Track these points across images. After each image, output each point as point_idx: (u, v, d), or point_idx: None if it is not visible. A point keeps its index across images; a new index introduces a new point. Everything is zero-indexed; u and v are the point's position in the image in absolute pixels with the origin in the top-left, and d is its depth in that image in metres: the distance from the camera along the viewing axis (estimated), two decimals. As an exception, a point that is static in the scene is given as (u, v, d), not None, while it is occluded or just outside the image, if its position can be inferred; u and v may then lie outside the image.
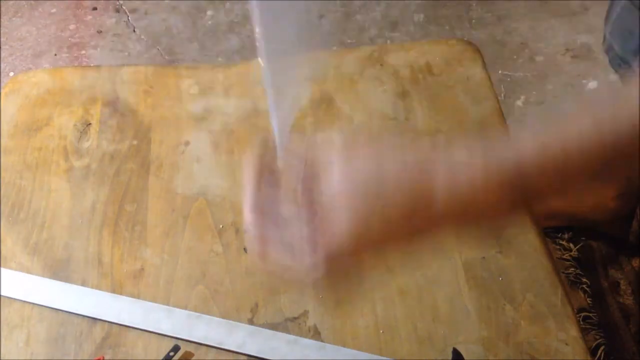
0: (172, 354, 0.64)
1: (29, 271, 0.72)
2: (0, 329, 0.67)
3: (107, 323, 0.67)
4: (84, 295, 0.70)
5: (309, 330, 0.66)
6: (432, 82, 0.87)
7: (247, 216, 0.46)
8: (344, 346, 0.65)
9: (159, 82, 0.89)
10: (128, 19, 1.92)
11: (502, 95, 1.65)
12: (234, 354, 0.65)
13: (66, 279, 0.71)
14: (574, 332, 0.64)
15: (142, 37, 1.88)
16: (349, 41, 1.81)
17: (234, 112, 0.85)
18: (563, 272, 1.27)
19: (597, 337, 1.19)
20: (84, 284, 0.71)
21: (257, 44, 0.42)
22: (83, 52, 1.85)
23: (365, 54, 0.90)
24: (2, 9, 1.98)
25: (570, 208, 1.26)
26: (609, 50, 0.96)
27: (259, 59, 0.44)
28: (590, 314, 1.22)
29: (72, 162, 0.81)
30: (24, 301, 0.69)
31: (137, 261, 0.72)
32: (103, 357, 0.65)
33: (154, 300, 0.69)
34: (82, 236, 0.74)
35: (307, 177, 0.46)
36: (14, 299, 0.70)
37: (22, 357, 0.66)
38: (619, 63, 0.94)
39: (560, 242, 1.32)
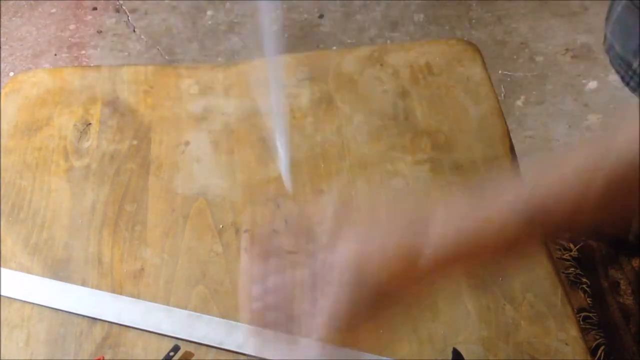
0: (172, 354, 0.64)
1: (29, 271, 0.72)
2: (0, 329, 0.67)
3: (107, 323, 0.67)
4: (84, 295, 0.70)
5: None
6: (432, 82, 0.87)
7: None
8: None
9: (159, 82, 0.89)
10: (128, 19, 1.92)
11: (502, 95, 1.65)
12: (234, 354, 0.65)
13: (66, 279, 0.71)
14: (574, 332, 0.64)
15: (142, 37, 1.88)
16: (349, 41, 1.81)
17: (234, 112, 0.85)
18: (563, 272, 1.27)
19: (597, 337, 1.18)
20: (84, 284, 0.71)
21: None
22: (83, 52, 1.85)
23: (365, 54, 0.90)
24: (2, 9, 1.98)
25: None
26: (609, 50, 0.96)
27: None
28: (590, 314, 1.22)
29: (72, 162, 0.81)
30: (24, 301, 0.69)
31: (137, 261, 0.72)
32: (103, 357, 0.65)
33: (154, 300, 0.69)
34: (82, 236, 0.74)
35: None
36: (14, 299, 0.70)
37: (22, 357, 0.66)
38: (620, 63, 0.94)
39: (560, 242, 1.32)
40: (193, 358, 0.65)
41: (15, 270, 0.72)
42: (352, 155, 0.80)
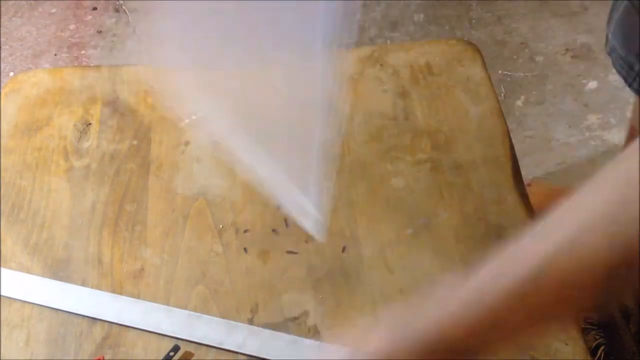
0: (172, 354, 0.64)
1: (29, 271, 0.72)
2: (0, 329, 0.67)
3: (107, 323, 0.67)
4: (84, 295, 0.70)
5: (309, 330, 0.66)
6: (432, 82, 0.87)
7: None
8: (344, 346, 0.65)
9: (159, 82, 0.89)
10: (128, 19, 1.92)
11: (502, 95, 1.65)
12: (234, 354, 0.65)
13: (66, 279, 0.71)
14: (574, 332, 0.64)
15: (142, 37, 1.88)
16: (348, 41, 1.81)
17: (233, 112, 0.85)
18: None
19: (597, 337, 1.18)
20: (84, 284, 0.71)
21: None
22: (83, 52, 1.85)
23: (365, 54, 0.90)
24: (2, 9, 1.98)
25: None
26: (611, 51, 0.96)
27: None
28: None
29: (72, 162, 0.81)
30: (24, 301, 0.69)
31: (137, 261, 0.72)
32: (103, 357, 0.65)
33: (154, 300, 0.69)
34: (82, 236, 0.74)
35: None
36: (14, 299, 0.70)
37: (22, 357, 0.66)
38: (622, 65, 0.94)
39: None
40: (193, 358, 0.65)
41: (15, 270, 0.72)
42: (352, 155, 0.80)
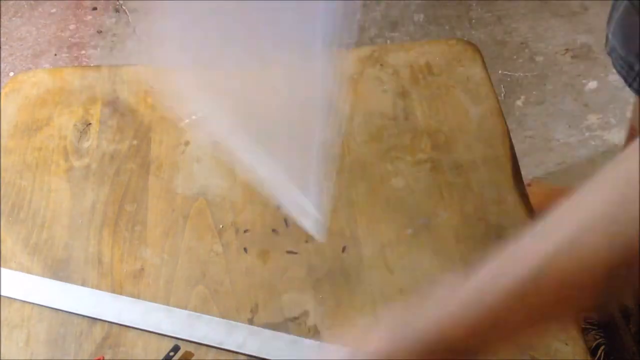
0: (172, 354, 0.64)
1: (29, 271, 0.72)
2: (0, 329, 0.67)
3: (107, 323, 0.67)
4: (84, 295, 0.70)
5: (309, 330, 0.66)
6: (432, 82, 0.87)
7: None
8: (344, 346, 0.65)
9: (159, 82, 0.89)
10: (128, 19, 1.92)
11: (502, 95, 1.65)
12: (234, 354, 0.65)
13: (66, 279, 0.71)
14: (574, 332, 0.64)
15: (142, 37, 1.88)
16: (348, 41, 1.81)
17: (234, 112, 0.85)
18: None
19: (597, 337, 1.18)
20: (84, 284, 0.71)
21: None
22: (83, 52, 1.85)
23: (365, 54, 0.90)
24: (2, 9, 1.98)
25: None
26: (611, 52, 0.96)
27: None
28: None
29: (72, 162, 0.81)
30: (24, 301, 0.69)
31: (137, 261, 0.72)
32: (103, 357, 0.65)
33: (154, 300, 0.69)
34: (82, 236, 0.74)
35: None
36: (14, 299, 0.70)
37: (22, 357, 0.66)
38: (622, 65, 0.94)
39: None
40: (193, 358, 0.65)
41: (15, 270, 0.72)
42: (352, 155, 0.80)
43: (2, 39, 1.90)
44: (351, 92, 0.86)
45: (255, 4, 0.65)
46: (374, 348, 0.45)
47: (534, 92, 1.66)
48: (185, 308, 0.68)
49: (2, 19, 1.95)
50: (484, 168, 0.77)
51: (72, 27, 1.92)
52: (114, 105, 0.87)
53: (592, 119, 1.60)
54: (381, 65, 0.89)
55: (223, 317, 0.67)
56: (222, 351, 0.65)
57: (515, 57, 1.75)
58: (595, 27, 1.76)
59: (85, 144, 0.83)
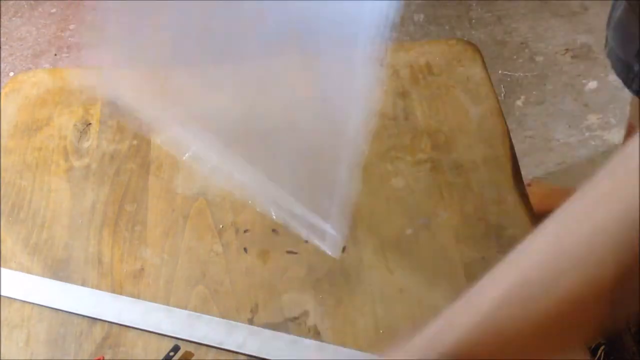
0: (172, 354, 0.64)
1: (29, 271, 0.72)
2: (0, 329, 0.67)
3: (107, 323, 0.67)
4: (84, 295, 0.70)
5: (309, 330, 0.66)
6: (432, 82, 0.87)
7: None
8: (344, 346, 0.65)
9: (159, 82, 0.89)
10: (128, 19, 1.92)
11: (502, 95, 1.65)
12: (234, 354, 0.65)
13: (66, 279, 0.71)
14: (574, 332, 0.64)
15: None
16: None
17: (234, 112, 0.85)
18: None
19: (597, 337, 1.19)
20: (84, 284, 0.71)
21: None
22: (83, 52, 1.85)
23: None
24: (2, 9, 1.98)
25: None
26: (610, 53, 0.96)
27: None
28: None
29: (72, 162, 0.81)
30: (24, 301, 0.69)
31: (137, 261, 0.72)
32: (103, 357, 0.65)
33: (154, 300, 0.69)
34: (82, 236, 0.74)
35: None
36: (14, 299, 0.70)
37: (22, 357, 0.66)
38: (621, 66, 0.94)
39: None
40: (193, 358, 0.65)
41: (15, 270, 0.72)
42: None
43: (2, 39, 1.90)
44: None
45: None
46: None
47: (534, 92, 1.66)
48: (185, 308, 0.68)
49: (2, 19, 1.96)
50: (484, 168, 0.77)
51: (72, 27, 1.92)
52: (114, 105, 0.87)
53: (592, 119, 1.60)
54: (381, 65, 0.89)
55: (223, 317, 0.67)
56: (222, 351, 0.65)
57: (515, 57, 1.75)
58: (595, 27, 1.76)
59: (85, 144, 0.83)
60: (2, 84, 1.56)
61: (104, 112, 0.86)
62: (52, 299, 0.69)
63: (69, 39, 1.89)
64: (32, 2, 2.00)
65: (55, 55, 1.85)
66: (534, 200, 0.76)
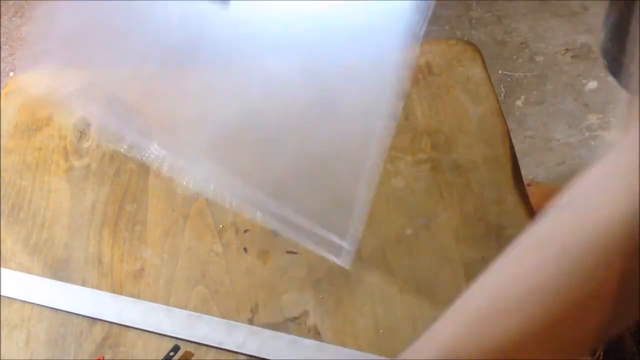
0: (172, 354, 0.64)
1: (29, 271, 0.72)
2: (0, 329, 0.67)
3: (107, 323, 0.67)
4: (84, 295, 0.70)
5: (309, 330, 0.66)
6: (432, 82, 0.86)
7: None
8: (344, 346, 0.65)
9: (160, 82, 0.89)
10: (128, 19, 1.92)
11: (502, 95, 1.65)
12: (234, 354, 0.65)
13: (66, 279, 0.71)
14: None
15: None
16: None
17: (234, 112, 0.85)
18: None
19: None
20: (84, 284, 0.71)
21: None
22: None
23: (365, 54, 0.90)
24: (2, 9, 1.98)
25: None
26: (606, 53, 0.96)
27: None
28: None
29: (72, 162, 0.81)
30: (24, 301, 0.69)
31: (137, 261, 0.72)
32: (103, 357, 0.65)
33: (154, 300, 0.69)
34: (82, 236, 0.74)
35: None
36: (14, 299, 0.70)
37: (22, 357, 0.66)
38: (617, 67, 0.94)
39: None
40: (193, 358, 0.65)
41: (15, 270, 0.72)
42: (352, 155, 0.79)
43: (2, 39, 1.90)
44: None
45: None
46: None
47: (534, 92, 1.66)
48: (185, 308, 0.68)
49: (2, 19, 1.96)
50: (484, 168, 0.77)
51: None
52: (114, 105, 0.86)
53: (592, 119, 1.60)
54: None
55: (223, 317, 0.67)
56: (222, 351, 0.65)
57: (515, 57, 1.75)
58: (595, 27, 1.76)
59: (85, 144, 0.83)
60: (2, 84, 1.56)
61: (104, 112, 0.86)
62: (52, 299, 0.69)
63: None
64: (32, 2, 2.00)
65: (55, 55, 1.85)
66: (534, 200, 0.76)
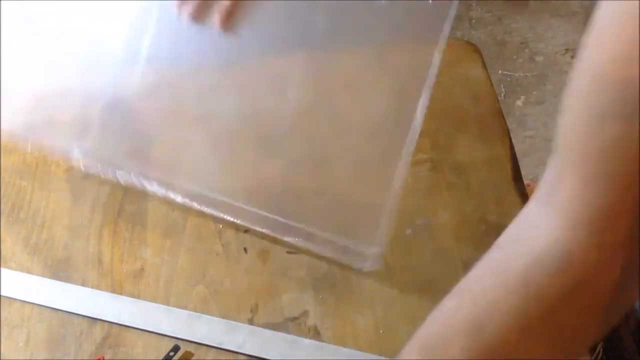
0: (172, 354, 0.64)
1: (29, 271, 0.72)
2: (0, 329, 0.67)
3: (107, 323, 0.67)
4: (84, 295, 0.70)
5: (309, 330, 0.66)
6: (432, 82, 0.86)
7: None
8: (344, 346, 0.65)
9: (160, 82, 0.89)
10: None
11: (502, 95, 1.65)
12: (234, 354, 0.65)
13: (66, 279, 0.71)
14: (573, 332, 0.64)
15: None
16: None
17: (234, 112, 0.85)
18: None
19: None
20: (84, 284, 0.71)
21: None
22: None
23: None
24: (2, 9, 1.98)
25: None
26: None
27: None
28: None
29: (72, 162, 0.81)
30: (24, 301, 0.69)
31: (137, 261, 0.72)
32: (103, 357, 0.65)
33: (154, 300, 0.69)
34: (82, 236, 0.74)
35: None
36: (14, 299, 0.70)
37: (22, 357, 0.66)
38: None
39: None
40: (193, 358, 0.65)
41: (15, 270, 0.72)
42: (352, 155, 0.79)
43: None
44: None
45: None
46: None
47: (534, 92, 1.66)
48: (185, 308, 0.68)
49: (2, 19, 1.95)
50: (484, 168, 0.77)
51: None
52: (114, 105, 0.86)
53: (592, 119, 1.59)
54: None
55: (223, 317, 0.67)
56: (222, 351, 0.65)
57: (515, 57, 1.75)
58: (595, 27, 1.76)
59: (86, 144, 0.83)
60: (2, 84, 1.56)
61: (104, 112, 0.86)
62: (52, 299, 0.69)
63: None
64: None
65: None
66: (533, 200, 0.76)
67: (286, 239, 0.70)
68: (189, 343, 0.66)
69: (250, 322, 0.67)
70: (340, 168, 0.71)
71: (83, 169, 0.76)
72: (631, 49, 0.34)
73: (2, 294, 0.70)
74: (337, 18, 0.69)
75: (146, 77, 0.79)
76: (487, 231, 0.72)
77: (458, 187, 0.76)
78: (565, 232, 0.39)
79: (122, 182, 0.74)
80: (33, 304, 0.69)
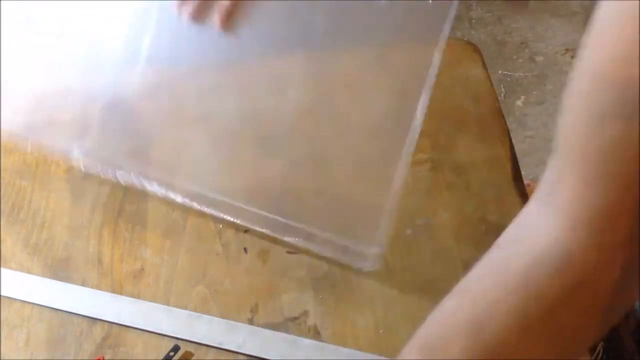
0: (172, 354, 0.64)
1: (29, 271, 0.72)
2: (0, 329, 0.67)
3: (107, 323, 0.67)
4: (84, 295, 0.70)
5: (309, 330, 0.66)
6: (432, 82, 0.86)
7: None
8: (344, 346, 0.65)
9: (160, 82, 0.89)
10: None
11: (502, 95, 1.65)
12: (234, 354, 0.65)
13: (66, 279, 0.71)
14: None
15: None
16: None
17: (234, 112, 0.85)
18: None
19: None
20: (84, 284, 0.71)
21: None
22: (83, 52, 1.85)
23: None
24: (2, 9, 1.98)
25: None
26: None
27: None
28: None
29: (72, 162, 0.81)
30: (24, 301, 0.69)
31: (137, 261, 0.72)
32: (103, 357, 0.65)
33: (154, 300, 0.69)
34: (82, 236, 0.74)
35: None
36: (14, 299, 0.70)
37: (22, 357, 0.66)
38: None
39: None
40: (193, 358, 0.65)
41: (15, 270, 0.72)
42: (352, 155, 0.79)
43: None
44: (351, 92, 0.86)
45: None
46: None
47: (534, 92, 1.67)
48: (185, 308, 0.68)
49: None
50: (484, 168, 0.77)
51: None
52: (114, 105, 0.86)
53: (592, 119, 1.59)
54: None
55: (223, 317, 0.67)
56: (222, 351, 0.65)
57: (515, 57, 1.75)
58: (595, 27, 1.76)
59: (86, 144, 0.83)
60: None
61: (104, 112, 0.86)
62: (52, 299, 0.69)
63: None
64: (32, 2, 2.00)
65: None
66: (533, 200, 0.76)
67: (286, 239, 0.70)
68: (189, 343, 0.66)
69: (250, 322, 0.67)
70: (340, 168, 0.71)
71: (83, 169, 0.76)
72: (631, 49, 0.34)
73: (2, 294, 0.70)
74: (337, 18, 0.69)
75: (146, 77, 0.79)
76: (487, 231, 0.72)
77: (458, 187, 0.76)
78: (565, 232, 0.39)
79: (122, 182, 0.74)
80: (33, 304, 0.69)
